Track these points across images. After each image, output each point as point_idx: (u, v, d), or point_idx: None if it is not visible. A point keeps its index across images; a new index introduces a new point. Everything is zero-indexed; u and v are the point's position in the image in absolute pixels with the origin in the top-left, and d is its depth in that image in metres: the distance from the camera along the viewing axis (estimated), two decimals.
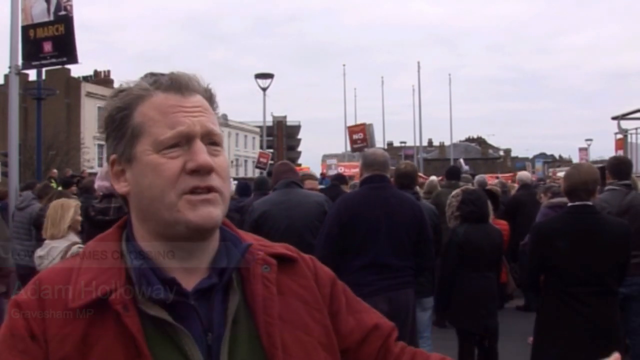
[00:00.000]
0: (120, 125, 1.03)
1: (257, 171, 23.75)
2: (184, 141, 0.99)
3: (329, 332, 1.09)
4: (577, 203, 3.51)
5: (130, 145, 1.01)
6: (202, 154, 0.99)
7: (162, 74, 1.05)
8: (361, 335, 1.15)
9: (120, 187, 1.05)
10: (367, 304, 1.23)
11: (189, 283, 1.01)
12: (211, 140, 1.03)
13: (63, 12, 7.50)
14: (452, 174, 8.14)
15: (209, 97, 1.09)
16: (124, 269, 1.00)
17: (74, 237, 4.41)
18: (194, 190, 0.98)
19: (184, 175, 0.98)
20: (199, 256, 1.04)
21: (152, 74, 1.06)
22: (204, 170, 0.99)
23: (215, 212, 1.00)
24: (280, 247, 1.17)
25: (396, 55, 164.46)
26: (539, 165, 39.48)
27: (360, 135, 20.56)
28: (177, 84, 1.03)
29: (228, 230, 1.11)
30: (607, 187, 5.06)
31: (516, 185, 11.03)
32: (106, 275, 0.98)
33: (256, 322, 1.02)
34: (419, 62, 42.11)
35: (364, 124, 22.43)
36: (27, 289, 1.02)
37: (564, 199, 6.21)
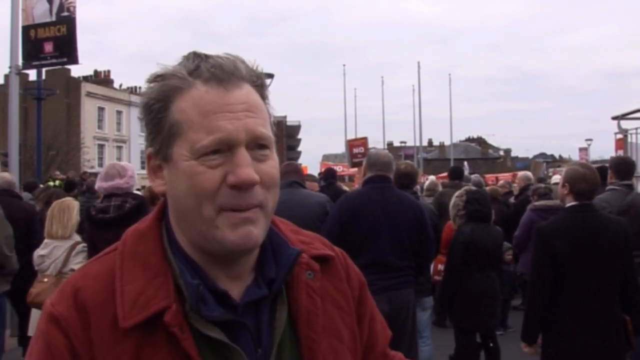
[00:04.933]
0: (157, 118, 0.92)
1: None
2: (226, 147, 0.88)
3: (355, 337, 1.06)
4: (577, 203, 3.51)
5: (167, 145, 0.91)
6: (244, 167, 0.88)
7: (207, 57, 0.92)
8: (366, 347, 1.11)
9: (157, 186, 0.96)
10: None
11: (234, 290, 0.94)
12: (259, 144, 0.91)
13: (66, 13, 7.53)
14: (456, 174, 8.12)
15: (260, 85, 0.96)
16: (171, 278, 0.91)
17: (77, 237, 4.42)
18: (233, 209, 0.89)
19: (224, 187, 0.88)
20: (242, 263, 0.96)
21: (195, 55, 0.93)
22: (246, 186, 0.88)
23: (256, 231, 0.90)
24: (320, 245, 1.09)
25: (394, 55, 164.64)
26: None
27: (361, 150, 20.69)
28: (219, 75, 0.90)
29: (274, 230, 1.02)
30: (608, 187, 5.06)
31: (516, 186, 11.03)
32: (154, 287, 0.89)
33: (298, 334, 0.97)
34: (419, 62, 42.22)
35: (364, 138, 22.66)
36: (63, 298, 0.91)
37: (550, 202, 6.25)
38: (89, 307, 0.89)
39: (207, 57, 0.92)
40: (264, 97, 0.96)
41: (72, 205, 4.53)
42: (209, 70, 0.90)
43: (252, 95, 0.93)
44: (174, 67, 0.93)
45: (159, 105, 0.92)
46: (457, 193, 5.30)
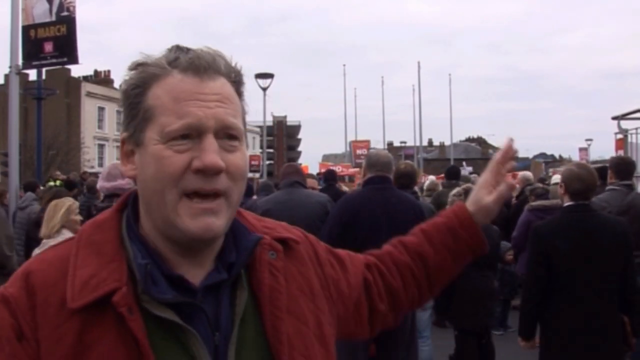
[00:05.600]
0: (134, 104, 0.94)
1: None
2: (195, 133, 0.90)
3: (321, 324, 1.05)
4: (574, 203, 3.52)
5: (140, 129, 0.93)
6: (210, 152, 0.89)
7: (188, 50, 0.95)
8: (360, 280, 1.23)
9: (128, 170, 0.97)
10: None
11: (195, 276, 0.95)
12: (228, 134, 0.93)
13: (65, 13, 7.52)
14: (452, 174, 8.12)
15: (237, 81, 0.98)
16: (126, 263, 0.92)
17: (68, 234, 4.41)
18: (197, 192, 0.90)
19: (189, 172, 0.90)
20: (204, 252, 0.97)
21: (177, 48, 0.95)
22: (210, 172, 0.90)
23: (217, 222, 0.92)
24: (284, 230, 1.11)
25: (394, 55, 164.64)
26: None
27: (363, 151, 20.84)
28: (196, 65, 0.92)
29: (236, 218, 1.03)
30: (608, 187, 5.05)
31: (516, 186, 11.02)
32: (107, 270, 0.90)
33: (262, 313, 0.97)
34: (419, 62, 42.18)
35: (367, 141, 22.88)
36: (15, 281, 0.93)
37: (547, 202, 6.24)
38: (37, 289, 0.90)
39: (188, 50, 0.95)
40: (239, 93, 0.98)
41: (60, 205, 4.53)
42: (187, 61, 0.93)
43: (226, 88, 0.95)
44: (155, 57, 0.96)
45: (137, 92, 0.94)
46: (454, 192, 5.28)
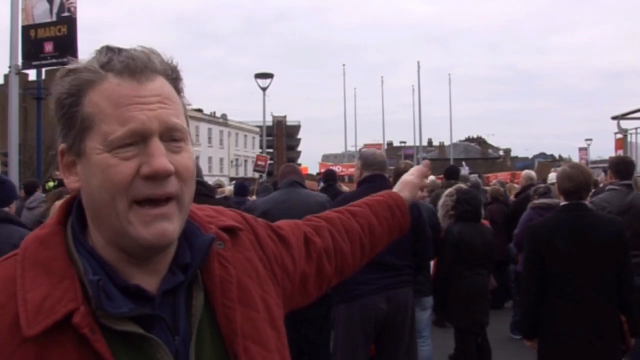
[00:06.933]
0: (69, 113, 0.89)
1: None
2: (140, 139, 0.87)
3: (270, 307, 1.05)
4: (568, 202, 3.53)
5: (80, 139, 0.89)
6: (158, 157, 0.86)
7: (120, 50, 0.90)
8: (303, 253, 1.23)
9: (71, 182, 0.93)
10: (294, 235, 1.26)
11: (151, 282, 0.92)
12: (173, 136, 0.90)
13: (67, 14, 7.54)
14: (451, 174, 8.11)
15: (175, 78, 0.95)
16: (78, 280, 0.87)
17: None
18: (148, 199, 0.87)
19: (138, 179, 0.86)
20: (159, 258, 0.94)
21: (108, 49, 0.91)
22: (161, 177, 0.87)
23: (171, 228, 0.89)
24: (226, 217, 1.10)
25: (394, 55, 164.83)
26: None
27: None
28: (132, 68, 0.88)
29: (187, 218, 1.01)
30: (608, 187, 5.05)
31: (516, 185, 11.01)
32: (60, 290, 0.85)
33: (214, 305, 0.97)
34: (418, 62, 42.17)
35: (380, 145, 23.22)
36: None
37: (549, 201, 6.26)
38: None
39: (120, 50, 0.91)
40: (179, 90, 0.95)
41: (55, 207, 4.52)
42: (122, 63, 0.89)
43: (166, 88, 0.92)
44: (87, 61, 0.91)
45: (71, 100, 0.89)
46: (447, 192, 5.28)
